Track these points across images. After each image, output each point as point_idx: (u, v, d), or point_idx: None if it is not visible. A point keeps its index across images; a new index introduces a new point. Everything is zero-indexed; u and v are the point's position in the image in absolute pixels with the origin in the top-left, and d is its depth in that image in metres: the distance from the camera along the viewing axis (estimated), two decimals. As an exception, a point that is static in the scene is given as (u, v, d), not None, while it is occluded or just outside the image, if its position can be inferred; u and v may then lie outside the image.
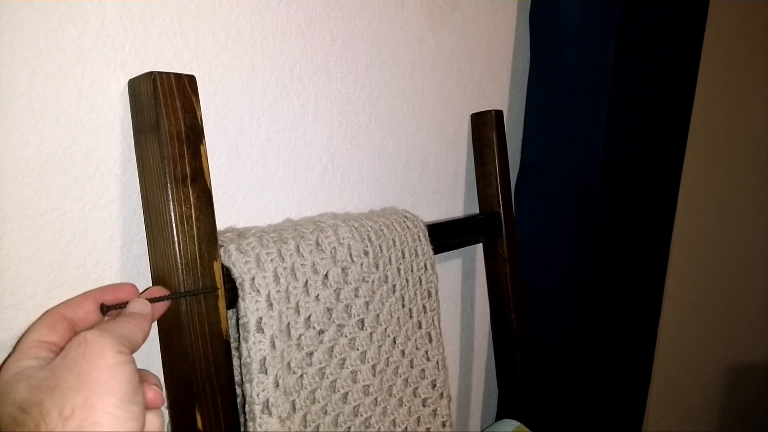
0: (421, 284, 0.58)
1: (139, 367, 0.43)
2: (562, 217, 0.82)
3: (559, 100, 0.78)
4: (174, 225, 0.38)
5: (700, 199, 1.28)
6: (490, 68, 0.78)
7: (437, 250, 0.61)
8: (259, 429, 0.42)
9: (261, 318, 0.42)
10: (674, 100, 0.99)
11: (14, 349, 0.32)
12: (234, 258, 0.42)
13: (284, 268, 0.44)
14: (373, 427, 0.52)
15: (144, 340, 0.34)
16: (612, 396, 1.04)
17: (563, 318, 0.86)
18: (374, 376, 0.52)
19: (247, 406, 0.42)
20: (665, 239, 1.08)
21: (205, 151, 0.40)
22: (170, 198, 0.38)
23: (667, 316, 1.22)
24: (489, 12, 0.76)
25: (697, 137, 1.12)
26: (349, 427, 0.50)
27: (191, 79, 0.40)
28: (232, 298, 0.42)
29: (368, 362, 0.51)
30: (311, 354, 0.47)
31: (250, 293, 0.42)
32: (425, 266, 0.59)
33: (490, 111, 0.72)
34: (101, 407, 0.27)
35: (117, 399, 0.28)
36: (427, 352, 0.59)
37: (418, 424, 0.57)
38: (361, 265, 0.51)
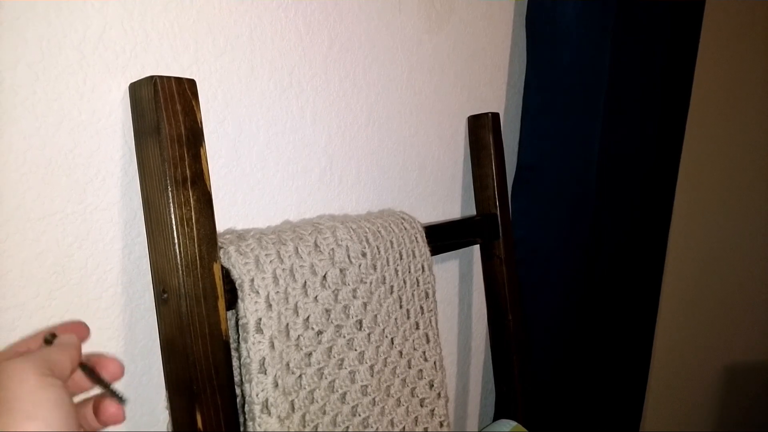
0: (418, 285, 0.59)
1: (138, 367, 0.44)
2: (558, 218, 0.83)
3: (555, 102, 0.79)
4: (174, 227, 0.39)
5: (697, 200, 1.28)
6: (487, 71, 0.79)
7: (435, 251, 0.62)
8: (258, 429, 0.42)
9: (260, 319, 0.42)
10: (671, 101, 1.00)
11: None
12: (233, 259, 0.42)
13: (283, 269, 0.45)
14: (371, 427, 0.52)
15: (73, 370, 0.32)
16: (609, 396, 1.05)
17: (560, 318, 0.87)
18: (372, 376, 0.52)
19: (246, 405, 0.43)
20: (662, 239, 1.09)
21: (205, 153, 0.41)
22: (170, 200, 0.39)
23: (665, 316, 1.23)
24: (485, 15, 0.76)
25: (694, 138, 1.12)
26: (348, 427, 0.50)
27: (191, 83, 0.40)
28: (232, 299, 0.42)
29: (366, 362, 0.52)
30: (310, 354, 0.47)
31: (249, 294, 0.42)
32: (423, 267, 0.59)
33: (486, 113, 0.73)
34: None
35: (41, 422, 0.27)
36: (424, 353, 0.59)
37: (416, 424, 0.58)
38: (359, 266, 0.51)
